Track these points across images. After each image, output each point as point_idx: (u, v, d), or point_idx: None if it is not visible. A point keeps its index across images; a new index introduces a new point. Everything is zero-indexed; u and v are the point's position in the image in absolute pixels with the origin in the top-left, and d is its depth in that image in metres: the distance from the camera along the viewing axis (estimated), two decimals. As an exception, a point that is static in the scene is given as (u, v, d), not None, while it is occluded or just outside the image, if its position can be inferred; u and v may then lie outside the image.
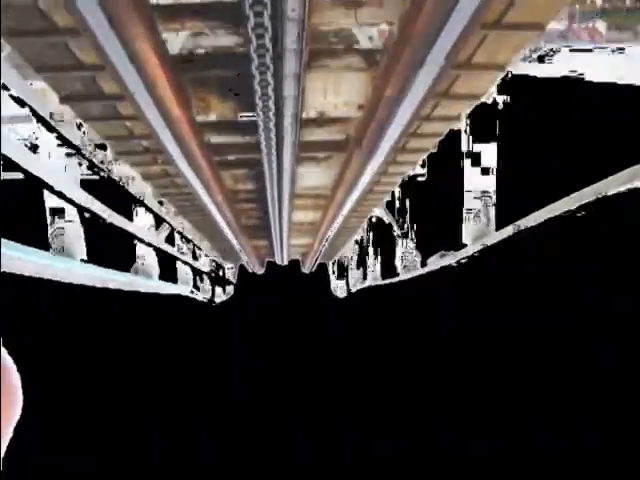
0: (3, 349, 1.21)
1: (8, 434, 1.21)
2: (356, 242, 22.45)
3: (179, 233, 17.26)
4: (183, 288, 18.50)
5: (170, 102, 7.13)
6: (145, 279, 13.46)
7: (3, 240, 7.78)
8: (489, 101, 8.12)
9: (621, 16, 8.52)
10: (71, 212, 8.56)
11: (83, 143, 8.43)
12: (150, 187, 12.54)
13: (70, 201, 8.19)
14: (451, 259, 10.86)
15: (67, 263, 9.07)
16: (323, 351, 30.98)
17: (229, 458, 25.64)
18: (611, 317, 16.48)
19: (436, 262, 11.83)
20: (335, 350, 30.61)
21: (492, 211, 9.10)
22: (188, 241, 18.61)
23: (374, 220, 17.57)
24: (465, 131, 8.86)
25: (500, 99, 8.15)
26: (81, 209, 8.56)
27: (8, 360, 1.21)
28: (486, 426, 22.71)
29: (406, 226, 14.71)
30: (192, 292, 20.03)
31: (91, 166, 9.16)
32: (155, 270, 13.98)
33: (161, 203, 14.58)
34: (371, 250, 19.99)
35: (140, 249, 13.74)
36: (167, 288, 16.03)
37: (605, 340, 17.77)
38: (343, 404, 27.07)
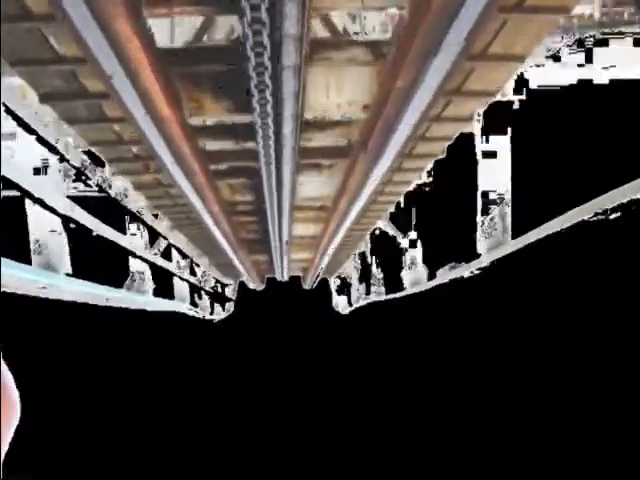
0: (3, 363, 1.21)
1: (6, 445, 1.22)
2: (359, 256, 21.84)
3: (175, 248, 16.66)
4: (180, 305, 17.87)
5: (159, 99, 6.53)
6: (139, 295, 12.84)
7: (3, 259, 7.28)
8: (504, 99, 7.51)
9: (619, 28, 8.22)
10: (54, 222, 7.94)
11: (67, 147, 7.82)
12: (143, 199, 11.95)
13: (52, 210, 7.59)
14: (463, 271, 10.25)
15: (54, 279, 8.45)
16: (325, 367, 30.35)
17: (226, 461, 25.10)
18: (620, 317, 15.85)
19: (445, 275, 11.21)
20: (336, 366, 29.99)
21: (508, 219, 8.48)
22: (185, 256, 18.00)
23: (377, 233, 16.97)
24: (479, 131, 8.25)
25: (516, 97, 7.55)
26: (65, 219, 7.96)
27: (7, 374, 1.22)
28: (489, 427, 22.12)
29: (412, 238, 14.10)
30: (190, 309, 19.40)
31: (79, 174, 8.57)
32: (149, 286, 13.37)
33: (156, 216, 13.99)
34: (374, 264, 19.36)
35: (134, 264, 13.12)
36: (163, 305, 15.40)
37: (612, 341, 17.15)
38: (343, 414, 26.49)
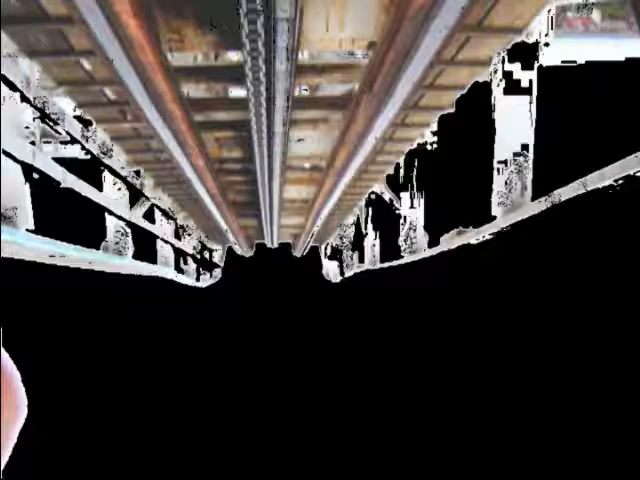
0: (4, 353, 1.13)
1: (11, 442, 1.13)
2: (353, 223, 20.96)
3: (159, 209, 15.70)
4: (163, 270, 16.95)
5: (132, 26, 5.55)
6: (116, 258, 11.92)
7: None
8: (529, 40, 6.56)
9: (614, 7, 7.51)
10: (14, 170, 6.98)
11: (29, 85, 6.84)
12: (122, 151, 10.98)
13: (10, 156, 6.63)
14: (469, 237, 9.38)
15: (14, 236, 7.52)
16: (316, 339, 29.69)
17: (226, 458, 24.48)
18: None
19: (450, 242, 10.34)
20: (329, 338, 29.33)
21: (528, 179, 7.57)
22: (169, 218, 17.05)
23: (373, 197, 16.05)
24: (497, 80, 7.30)
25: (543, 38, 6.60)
26: (26, 166, 7.01)
27: (10, 366, 1.14)
28: (492, 425, 21.53)
29: (410, 202, 13.21)
30: (174, 274, 18.49)
31: (43, 117, 7.59)
32: (129, 248, 12.43)
33: (137, 173, 13.02)
34: (369, 231, 18.48)
35: (112, 224, 12.18)
36: (143, 269, 14.48)
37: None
38: (337, 396, 25.83)
